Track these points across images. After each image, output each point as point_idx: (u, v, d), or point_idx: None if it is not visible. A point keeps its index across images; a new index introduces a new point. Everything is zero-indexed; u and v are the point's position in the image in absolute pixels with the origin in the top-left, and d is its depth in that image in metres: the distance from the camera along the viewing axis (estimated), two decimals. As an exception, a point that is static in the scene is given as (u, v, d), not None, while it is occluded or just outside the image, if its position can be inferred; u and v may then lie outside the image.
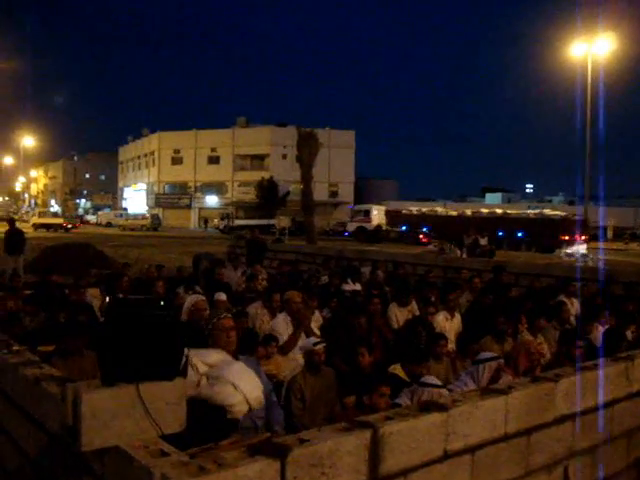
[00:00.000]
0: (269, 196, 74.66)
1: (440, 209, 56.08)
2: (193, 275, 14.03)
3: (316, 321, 9.22)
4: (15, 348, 4.62)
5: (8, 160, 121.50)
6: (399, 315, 9.90)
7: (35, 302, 9.93)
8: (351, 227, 55.28)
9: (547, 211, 48.25)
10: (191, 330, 5.70)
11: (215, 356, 4.67)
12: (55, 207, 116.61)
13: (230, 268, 15.05)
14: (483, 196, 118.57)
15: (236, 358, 5.18)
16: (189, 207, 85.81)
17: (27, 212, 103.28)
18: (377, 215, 54.63)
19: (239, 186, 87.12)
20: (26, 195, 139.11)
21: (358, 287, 12.08)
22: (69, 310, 8.63)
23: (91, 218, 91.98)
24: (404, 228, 48.84)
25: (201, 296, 8.12)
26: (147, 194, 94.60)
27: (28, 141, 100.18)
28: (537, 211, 49.12)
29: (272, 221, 64.75)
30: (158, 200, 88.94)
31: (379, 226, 51.50)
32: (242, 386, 4.18)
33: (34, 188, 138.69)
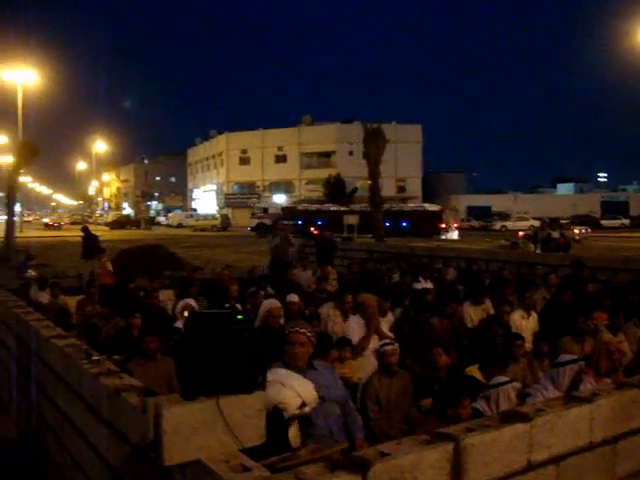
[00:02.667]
0: (336, 193, 74.63)
1: (333, 207, 59.77)
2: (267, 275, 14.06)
3: (388, 321, 9.15)
4: (95, 358, 4.69)
5: (82, 165, 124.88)
6: (473, 314, 9.73)
7: (110, 305, 10.16)
8: (252, 223, 60.90)
9: (426, 205, 56.54)
10: (266, 339, 5.72)
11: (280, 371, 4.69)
12: (127, 209, 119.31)
13: (299, 268, 15.09)
14: (555, 187, 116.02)
15: (310, 364, 5.16)
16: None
17: (101, 215, 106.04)
18: (275, 211, 60.20)
19: (306, 184, 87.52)
20: (99, 199, 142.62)
21: (430, 285, 11.95)
22: (144, 314, 8.77)
23: (162, 219, 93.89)
24: (299, 222, 51.91)
25: (276, 302, 8.11)
26: (216, 194, 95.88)
27: (100, 146, 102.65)
28: (418, 204, 58.32)
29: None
30: (227, 200, 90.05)
31: (279, 221, 51.95)
32: (290, 383, 4.20)
33: (107, 191, 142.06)
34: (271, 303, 7.94)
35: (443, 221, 48.62)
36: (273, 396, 4.01)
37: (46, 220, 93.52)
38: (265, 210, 61.92)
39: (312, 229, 46.88)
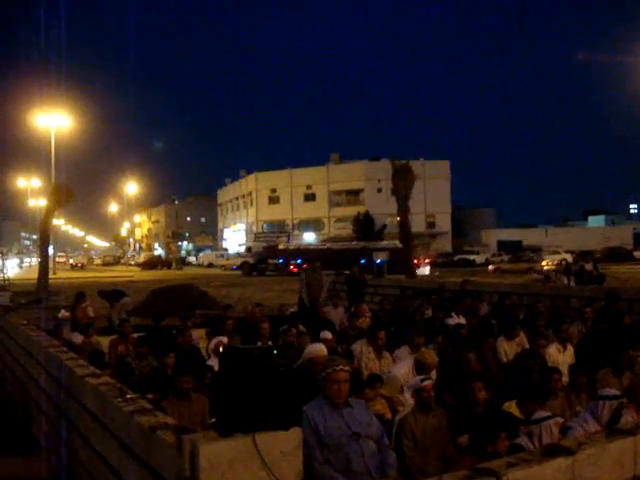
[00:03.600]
0: (366, 230, 74.68)
1: (312, 245, 65.50)
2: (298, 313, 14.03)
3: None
4: (129, 396, 4.69)
5: (113, 207, 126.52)
6: (507, 348, 9.61)
7: (144, 344, 10.19)
8: (237, 262, 63.47)
9: (397, 242, 55.06)
10: (303, 378, 5.67)
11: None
12: (159, 250, 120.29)
13: (330, 306, 15.05)
14: (586, 219, 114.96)
15: (346, 404, 5.12)
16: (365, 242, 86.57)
17: (132, 256, 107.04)
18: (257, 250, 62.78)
19: (335, 222, 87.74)
20: (131, 240, 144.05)
21: (462, 320, 11.83)
22: (177, 353, 8.78)
23: (192, 259, 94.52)
24: (281, 261, 54.90)
25: (323, 347, 7.91)
26: (246, 234, 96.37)
27: (131, 188, 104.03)
28: (390, 242, 57.40)
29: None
30: (257, 239, 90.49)
31: (260, 260, 57.81)
32: None
33: (138, 232, 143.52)
34: (317, 349, 7.77)
35: (415, 257, 48.29)
36: None
37: (71, 261, 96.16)
38: (249, 249, 64.55)
39: (291, 267, 51.90)
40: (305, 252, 54.31)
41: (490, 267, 55.85)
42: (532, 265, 50.71)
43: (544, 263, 51.13)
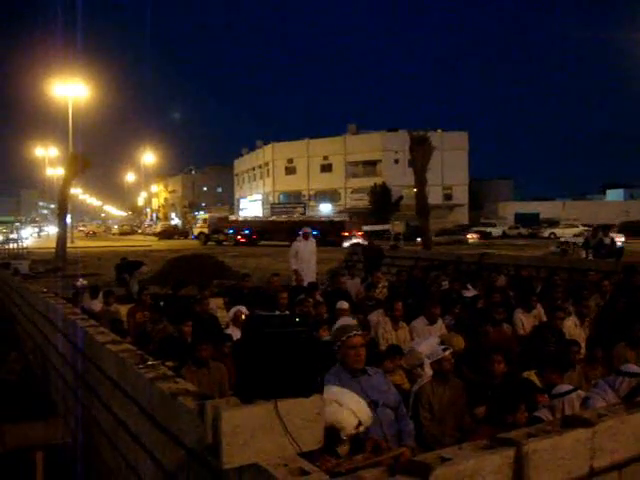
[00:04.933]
0: (382, 202, 74.45)
1: (258, 218, 71.38)
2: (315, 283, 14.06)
3: (438, 329, 9.08)
4: (150, 362, 4.73)
5: (130, 177, 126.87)
6: (525, 321, 9.61)
7: (159, 310, 10.30)
8: (196, 231, 66.95)
9: (333, 216, 67.49)
10: (324, 346, 5.71)
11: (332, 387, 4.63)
12: (175, 220, 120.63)
13: (348, 276, 15.09)
14: (604, 192, 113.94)
15: (363, 369, 5.16)
16: (304, 215, 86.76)
17: (149, 225, 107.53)
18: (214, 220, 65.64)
19: (352, 193, 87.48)
20: (148, 209, 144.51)
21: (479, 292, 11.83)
22: (195, 321, 8.84)
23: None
24: (231, 231, 59.23)
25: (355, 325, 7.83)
26: (262, 204, 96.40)
27: (149, 158, 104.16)
28: (328, 215, 68.31)
29: (386, 226, 64.63)
30: (273, 209, 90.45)
31: (215, 230, 61.30)
32: (346, 402, 4.15)
33: (155, 202, 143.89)
34: (348, 323, 7.65)
35: (346, 230, 54.75)
36: (330, 416, 3.96)
37: (84, 229, 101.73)
38: (205, 220, 66.81)
39: (239, 237, 57.42)
40: (252, 224, 61.76)
41: None
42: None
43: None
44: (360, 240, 49.17)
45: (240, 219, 67.93)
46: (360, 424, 4.20)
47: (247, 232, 57.88)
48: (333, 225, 56.86)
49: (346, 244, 47.89)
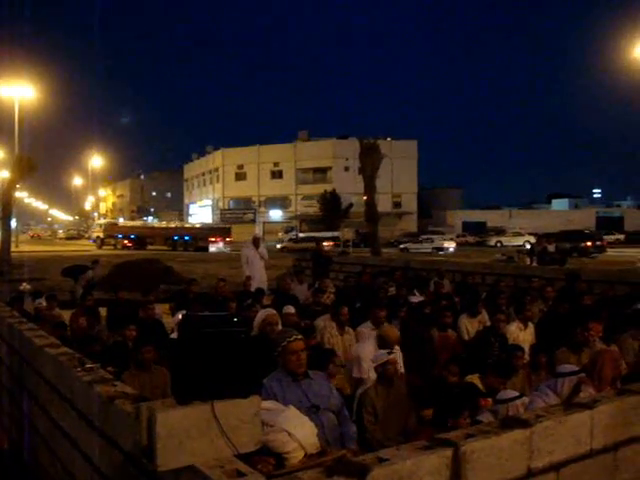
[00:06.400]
0: (332, 208, 74.72)
1: (140, 225, 75.35)
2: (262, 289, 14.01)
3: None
4: (88, 366, 4.63)
5: (78, 181, 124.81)
6: (469, 326, 9.69)
7: (95, 315, 10.15)
8: (94, 236, 71.09)
9: (207, 223, 75.66)
10: (263, 346, 5.65)
11: (266, 402, 4.52)
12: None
13: (296, 281, 15.07)
14: (550, 202, 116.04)
15: (306, 376, 5.13)
16: (253, 222, 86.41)
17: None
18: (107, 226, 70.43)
19: (302, 199, 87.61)
20: (95, 214, 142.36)
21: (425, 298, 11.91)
22: (139, 327, 8.70)
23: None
24: (120, 236, 63.84)
25: (272, 310, 8.12)
26: (212, 210, 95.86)
27: (97, 161, 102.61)
28: (202, 222, 75.34)
29: (336, 233, 64.91)
30: (223, 215, 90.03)
31: (108, 235, 65.49)
32: (296, 433, 4.05)
33: (103, 207, 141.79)
34: (267, 311, 7.93)
35: (213, 236, 61.76)
36: (278, 445, 3.82)
37: (30, 232, 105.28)
38: (101, 226, 70.53)
39: (125, 242, 62.17)
40: (137, 230, 66.15)
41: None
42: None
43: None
44: (222, 246, 60.21)
45: (128, 225, 72.63)
46: (305, 455, 4.12)
47: (133, 237, 62.84)
48: (202, 232, 63.44)
49: (212, 249, 58.29)
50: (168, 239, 60.66)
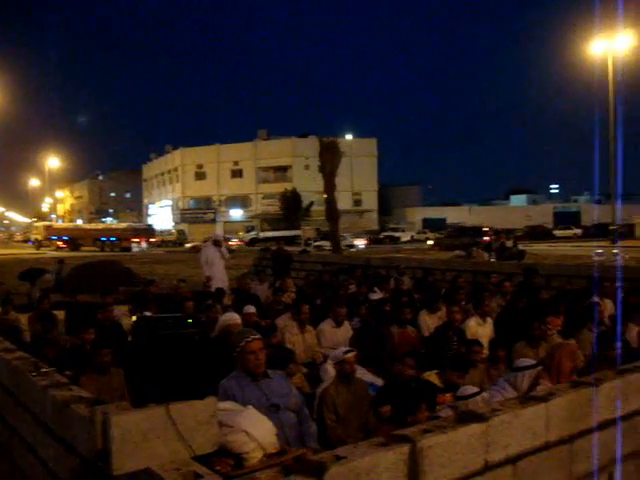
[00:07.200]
0: (293, 207, 74.76)
1: (72, 226, 78.43)
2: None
3: (345, 330, 9.11)
4: (44, 370, 4.56)
5: (34, 182, 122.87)
6: (429, 322, 9.75)
7: (50, 319, 10.02)
8: (32, 238, 73.38)
9: (133, 223, 77.47)
10: (221, 347, 5.64)
11: (225, 403, 4.49)
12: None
13: (256, 281, 15.04)
14: (508, 198, 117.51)
15: (265, 376, 5.11)
16: (214, 221, 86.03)
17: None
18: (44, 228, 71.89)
19: (263, 198, 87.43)
20: (53, 216, 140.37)
21: (385, 295, 11.97)
22: (97, 329, 8.60)
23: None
24: (54, 238, 65.14)
25: (236, 316, 8.06)
26: (172, 210, 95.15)
27: (53, 162, 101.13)
28: (127, 224, 76.29)
29: (297, 232, 64.92)
30: (183, 215, 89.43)
31: (45, 237, 66.93)
32: (255, 433, 4.03)
33: (61, 208, 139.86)
34: (231, 317, 7.88)
35: (136, 237, 64.15)
36: (238, 445, 3.77)
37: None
38: (46, 227, 71.48)
39: (59, 243, 63.40)
40: (69, 231, 67.92)
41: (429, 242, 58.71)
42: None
43: None
44: (144, 246, 63.04)
45: (62, 227, 74.10)
46: (264, 455, 4.10)
47: (66, 239, 64.21)
48: (126, 233, 65.41)
49: (135, 249, 60.74)
50: (97, 240, 62.96)
